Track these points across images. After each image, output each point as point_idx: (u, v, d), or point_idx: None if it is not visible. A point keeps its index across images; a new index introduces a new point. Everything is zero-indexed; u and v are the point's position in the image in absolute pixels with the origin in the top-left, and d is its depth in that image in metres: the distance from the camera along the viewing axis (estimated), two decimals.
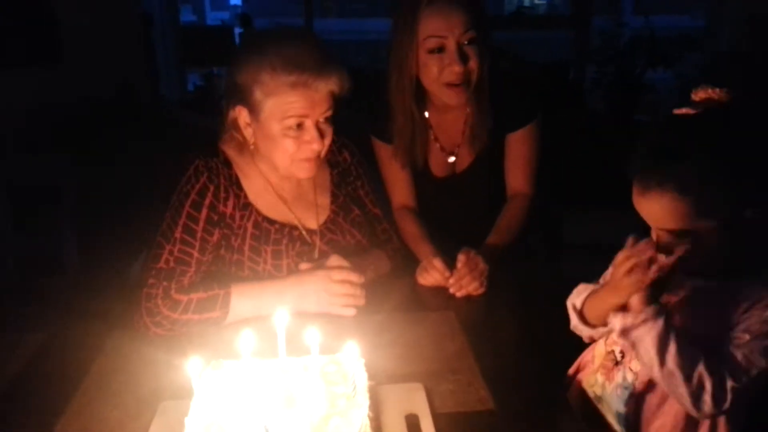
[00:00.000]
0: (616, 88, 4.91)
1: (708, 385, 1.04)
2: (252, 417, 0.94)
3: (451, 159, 1.82)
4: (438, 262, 1.56)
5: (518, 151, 1.77)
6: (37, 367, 1.28)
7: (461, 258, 1.54)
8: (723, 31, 4.54)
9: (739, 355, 1.06)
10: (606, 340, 1.26)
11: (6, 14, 3.19)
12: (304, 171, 1.47)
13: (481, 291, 1.53)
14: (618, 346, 1.22)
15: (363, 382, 1.03)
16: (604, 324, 1.16)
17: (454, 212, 1.86)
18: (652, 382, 1.16)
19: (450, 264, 1.55)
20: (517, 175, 1.79)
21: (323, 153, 1.47)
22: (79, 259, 2.53)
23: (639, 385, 1.18)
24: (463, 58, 1.60)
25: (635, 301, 1.09)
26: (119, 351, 1.30)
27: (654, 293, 1.09)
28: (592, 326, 1.22)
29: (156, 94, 5.05)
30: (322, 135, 1.42)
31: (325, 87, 1.39)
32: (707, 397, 1.04)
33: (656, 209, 1.08)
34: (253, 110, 1.42)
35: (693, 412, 1.08)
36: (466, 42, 1.60)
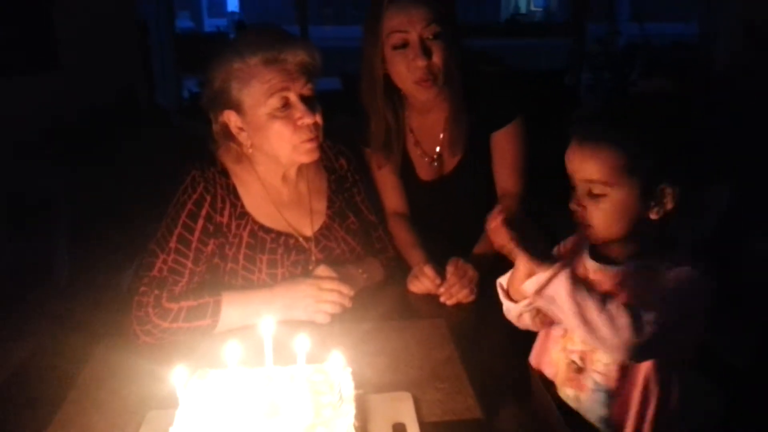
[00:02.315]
0: (612, 95, 4.93)
1: (622, 312, 1.05)
2: (237, 426, 0.94)
3: (435, 164, 1.82)
4: (429, 270, 1.56)
5: (503, 150, 1.76)
6: (25, 377, 1.27)
7: (449, 268, 1.54)
8: (716, 38, 4.55)
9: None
10: (564, 350, 1.25)
11: (3, 22, 3.20)
12: (307, 154, 1.46)
13: (471, 298, 1.52)
14: (576, 354, 1.22)
15: (349, 391, 1.02)
16: (524, 297, 1.18)
17: (445, 215, 1.85)
18: (623, 373, 1.17)
19: (441, 271, 1.55)
20: (504, 175, 1.78)
21: (320, 136, 1.46)
22: (70, 268, 2.52)
23: (612, 383, 1.18)
24: (427, 53, 1.59)
25: (533, 266, 1.13)
26: (106, 360, 1.30)
27: (538, 252, 1.14)
28: (516, 302, 1.23)
29: (152, 102, 5.04)
30: (312, 110, 1.42)
31: (295, 57, 1.41)
32: (623, 321, 1.04)
33: (588, 157, 1.14)
34: (239, 107, 1.43)
35: (615, 347, 1.07)
36: (430, 36, 1.59)
